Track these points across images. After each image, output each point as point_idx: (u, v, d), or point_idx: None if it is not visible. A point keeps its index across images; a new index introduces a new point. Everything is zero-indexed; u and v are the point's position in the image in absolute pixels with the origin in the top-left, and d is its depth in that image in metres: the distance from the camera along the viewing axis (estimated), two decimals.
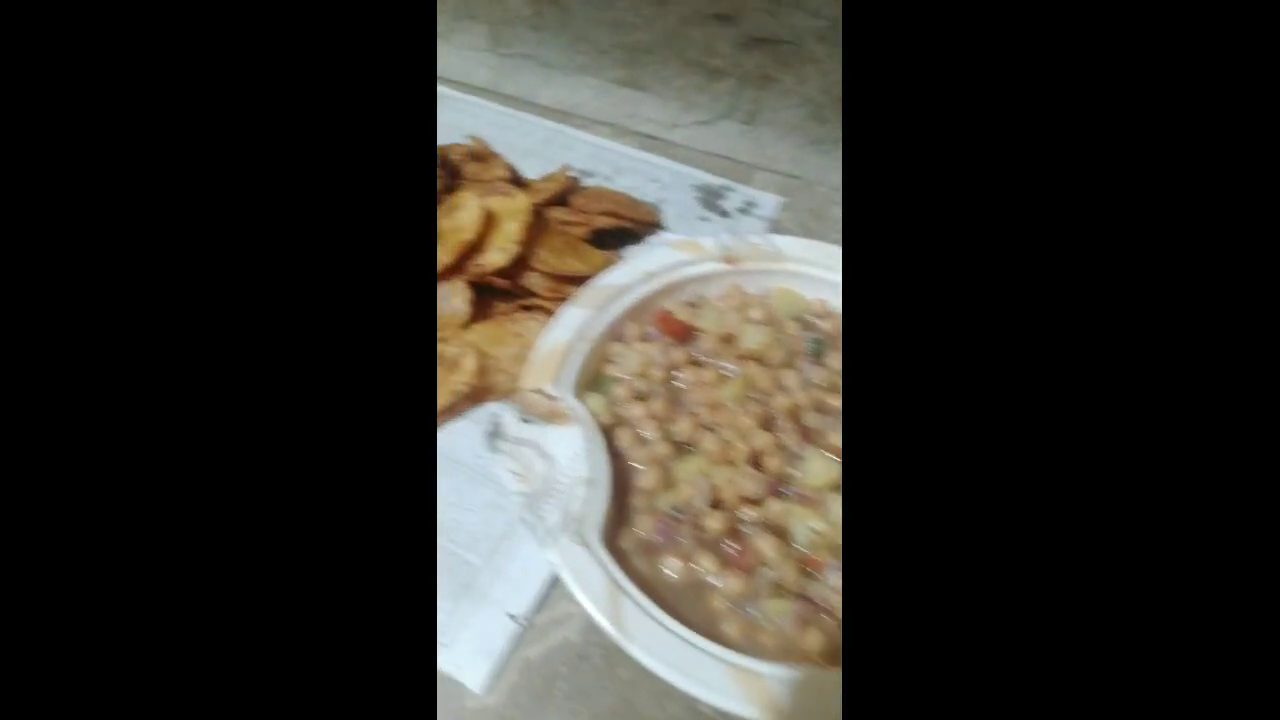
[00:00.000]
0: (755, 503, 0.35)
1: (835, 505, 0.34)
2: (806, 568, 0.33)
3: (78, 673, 0.17)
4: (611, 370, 0.41)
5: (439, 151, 0.57)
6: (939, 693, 0.16)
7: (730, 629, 0.32)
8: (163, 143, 0.18)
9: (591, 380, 0.41)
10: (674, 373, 0.41)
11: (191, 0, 0.18)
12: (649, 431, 0.38)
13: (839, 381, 0.40)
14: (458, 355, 0.42)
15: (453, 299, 0.45)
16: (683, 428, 0.38)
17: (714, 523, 0.34)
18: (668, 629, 0.30)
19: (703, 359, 0.42)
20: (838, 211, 0.57)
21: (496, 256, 0.45)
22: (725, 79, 0.58)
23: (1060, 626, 0.16)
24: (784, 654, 0.31)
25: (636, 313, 0.43)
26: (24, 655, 0.17)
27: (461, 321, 0.44)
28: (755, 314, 0.43)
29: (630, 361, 0.40)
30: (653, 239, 0.54)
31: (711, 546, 0.34)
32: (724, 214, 0.57)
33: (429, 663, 0.21)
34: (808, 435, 0.38)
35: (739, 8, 0.54)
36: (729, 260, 0.45)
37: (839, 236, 0.51)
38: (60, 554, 0.17)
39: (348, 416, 0.18)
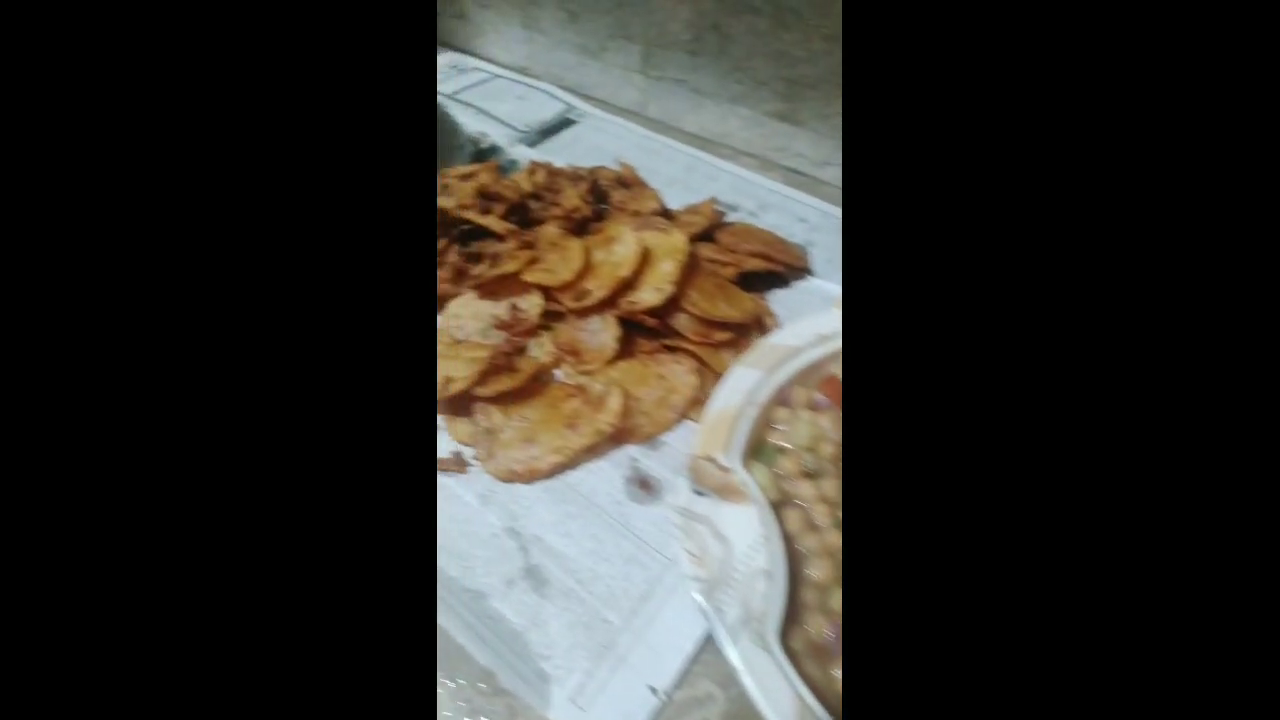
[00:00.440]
0: None
1: None
2: None
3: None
4: (775, 438, 0.38)
5: (588, 174, 0.57)
6: (940, 696, 0.17)
7: None
8: (163, 142, 0.18)
9: (755, 448, 0.38)
10: None
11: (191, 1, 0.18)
12: (820, 517, 0.35)
13: None
14: (603, 393, 0.41)
15: (602, 334, 0.43)
16: None
17: None
18: None
19: None
20: None
21: (650, 296, 0.43)
22: None
23: (1061, 633, 0.16)
24: None
25: (804, 376, 0.40)
26: (11, 658, 0.16)
27: (608, 358, 0.43)
28: None
29: (800, 433, 0.37)
30: (799, 284, 0.52)
31: None
32: None
33: None
34: None
35: None
36: None
37: None
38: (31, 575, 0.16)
39: (339, 450, 0.18)
